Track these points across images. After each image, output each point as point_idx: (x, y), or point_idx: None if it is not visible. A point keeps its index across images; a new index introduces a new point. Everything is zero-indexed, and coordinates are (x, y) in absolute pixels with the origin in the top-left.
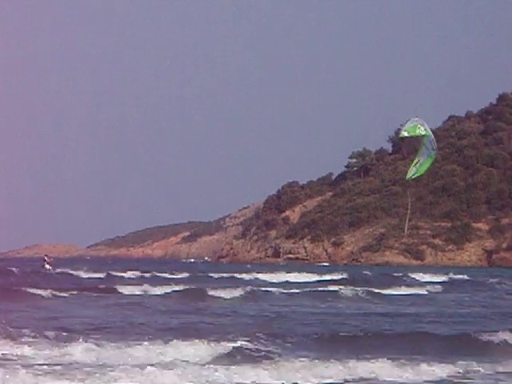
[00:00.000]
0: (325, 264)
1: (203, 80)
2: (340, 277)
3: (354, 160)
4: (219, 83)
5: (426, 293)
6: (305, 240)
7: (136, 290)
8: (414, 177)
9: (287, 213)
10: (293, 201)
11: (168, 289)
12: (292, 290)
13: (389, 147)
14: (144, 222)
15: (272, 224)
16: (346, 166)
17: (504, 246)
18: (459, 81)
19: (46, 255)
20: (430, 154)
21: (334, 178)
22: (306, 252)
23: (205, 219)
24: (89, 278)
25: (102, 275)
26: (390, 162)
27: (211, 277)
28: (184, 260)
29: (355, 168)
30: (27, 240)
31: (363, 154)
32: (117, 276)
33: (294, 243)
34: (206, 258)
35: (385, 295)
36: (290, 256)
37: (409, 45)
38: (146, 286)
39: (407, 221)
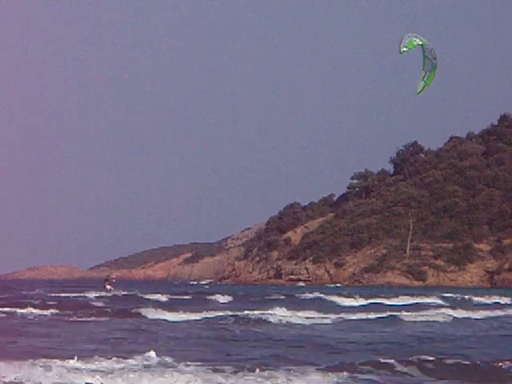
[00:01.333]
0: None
1: (205, 97)
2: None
3: (356, 181)
4: (222, 100)
5: None
6: (307, 261)
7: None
8: (423, 90)
9: (289, 234)
10: (294, 222)
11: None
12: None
13: (390, 168)
14: (146, 244)
15: (274, 245)
16: (347, 187)
17: (506, 266)
18: (460, 101)
19: (107, 276)
20: (433, 64)
21: (335, 198)
22: (307, 273)
23: (207, 240)
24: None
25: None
26: (392, 183)
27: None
28: (193, 282)
29: (357, 189)
30: (27, 262)
31: (365, 175)
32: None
33: (295, 264)
34: (207, 281)
35: None
36: (292, 277)
37: (409, 65)
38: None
39: (409, 241)
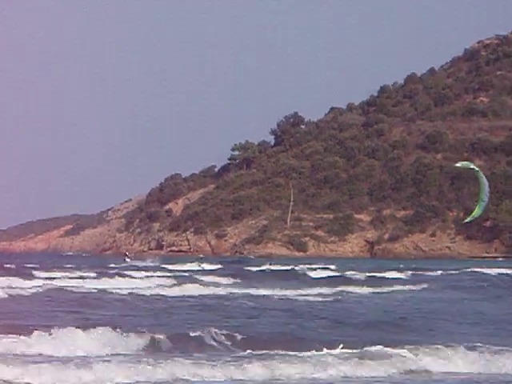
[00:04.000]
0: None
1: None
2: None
3: (237, 152)
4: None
5: None
6: (188, 232)
7: None
8: (469, 220)
9: (170, 205)
10: (175, 193)
11: None
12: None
13: (271, 139)
14: (26, 215)
15: (155, 217)
16: (228, 159)
17: (386, 237)
18: (341, 73)
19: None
20: (485, 204)
21: (216, 170)
22: (189, 244)
23: (88, 212)
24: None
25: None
26: (273, 154)
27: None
28: (71, 253)
29: (238, 160)
30: None
31: (246, 147)
32: None
33: (176, 236)
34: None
35: None
36: (173, 248)
37: (291, 36)
38: None
39: (290, 213)
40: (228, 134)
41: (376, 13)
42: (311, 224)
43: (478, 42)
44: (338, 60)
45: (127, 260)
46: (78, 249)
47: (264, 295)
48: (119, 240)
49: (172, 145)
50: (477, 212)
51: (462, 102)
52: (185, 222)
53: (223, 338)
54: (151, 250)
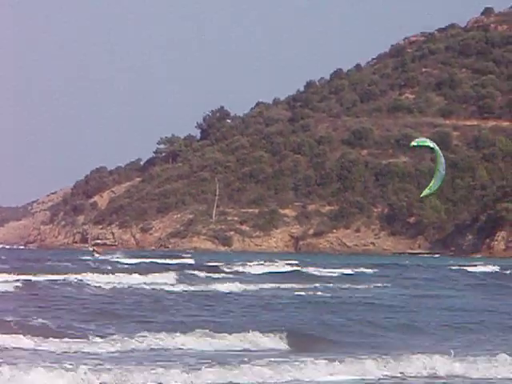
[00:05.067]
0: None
1: None
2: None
3: (163, 146)
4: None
5: None
6: (113, 226)
7: None
8: (426, 195)
9: (95, 198)
10: (101, 186)
11: None
12: None
13: (197, 133)
14: None
15: (80, 209)
16: (154, 152)
17: (310, 232)
18: (267, 68)
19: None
20: (442, 176)
21: (142, 163)
22: (113, 238)
23: (12, 204)
24: None
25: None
26: (198, 148)
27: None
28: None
29: (164, 154)
30: None
31: (171, 140)
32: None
33: (101, 229)
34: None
35: None
36: (98, 242)
37: (217, 30)
38: None
39: (215, 207)
40: (154, 127)
41: (303, 8)
42: (236, 218)
43: (404, 39)
44: (264, 55)
45: (96, 255)
46: (2, 241)
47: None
48: (44, 233)
49: (98, 137)
50: (434, 184)
51: (388, 98)
52: (110, 216)
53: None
54: (76, 242)
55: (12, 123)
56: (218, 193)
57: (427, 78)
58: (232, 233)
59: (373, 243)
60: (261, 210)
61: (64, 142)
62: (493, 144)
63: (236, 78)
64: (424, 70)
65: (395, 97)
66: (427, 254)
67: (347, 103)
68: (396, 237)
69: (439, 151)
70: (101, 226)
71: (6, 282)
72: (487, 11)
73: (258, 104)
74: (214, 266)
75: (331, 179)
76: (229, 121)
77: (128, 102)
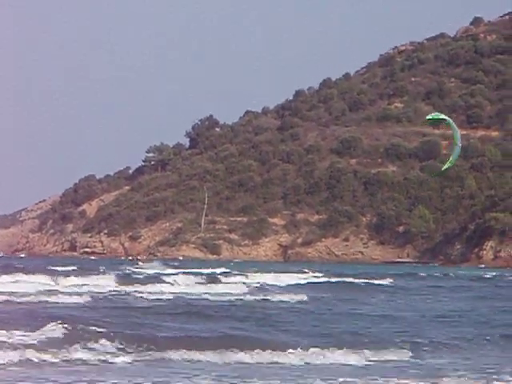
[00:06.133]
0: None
1: None
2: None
3: (152, 154)
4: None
5: None
6: (101, 234)
7: None
8: (447, 169)
9: (84, 206)
10: (90, 194)
11: None
12: None
13: (186, 142)
14: None
15: (69, 218)
16: (143, 160)
17: (299, 241)
18: (256, 77)
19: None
20: (459, 150)
21: (131, 171)
22: (102, 246)
23: (0, 212)
24: None
25: None
26: (187, 157)
27: None
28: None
29: (152, 162)
30: None
31: (161, 149)
32: None
33: (90, 237)
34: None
35: None
36: (87, 250)
37: (206, 38)
38: None
39: (204, 215)
40: (143, 135)
41: (291, 17)
42: (225, 227)
43: (393, 48)
44: (253, 63)
45: (140, 263)
46: None
47: None
48: (32, 241)
49: (87, 146)
50: (453, 157)
51: (377, 107)
52: (98, 224)
53: None
54: (64, 250)
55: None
56: (206, 201)
57: (416, 88)
58: (221, 241)
59: (361, 252)
60: (249, 218)
61: (53, 150)
62: (482, 154)
63: (225, 87)
64: (413, 79)
65: (384, 106)
66: (416, 263)
67: (336, 112)
68: (384, 246)
69: (454, 125)
70: (89, 235)
71: None
72: (476, 20)
73: (246, 113)
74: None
75: (320, 188)
76: (218, 129)
77: (117, 111)
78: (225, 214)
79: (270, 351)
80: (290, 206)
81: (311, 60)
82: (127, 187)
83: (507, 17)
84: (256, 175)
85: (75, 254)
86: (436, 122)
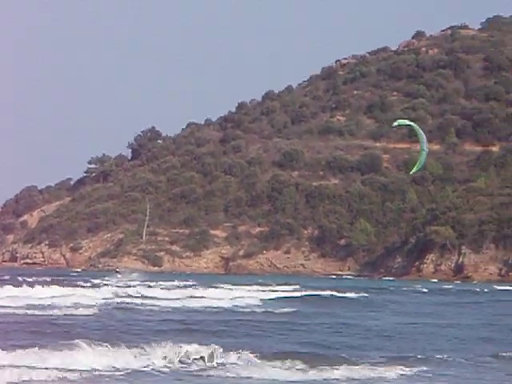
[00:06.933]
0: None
1: None
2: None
3: (93, 165)
4: None
5: None
6: (42, 245)
7: None
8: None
9: (25, 217)
10: (31, 205)
11: None
12: None
13: (128, 153)
14: None
15: (9, 228)
16: (85, 171)
17: (241, 253)
18: (199, 88)
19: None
20: (426, 154)
21: (72, 182)
22: (43, 257)
23: None
24: None
25: None
26: (129, 168)
27: None
28: None
29: (94, 173)
30: None
31: (102, 160)
32: None
33: (31, 248)
34: None
35: None
36: (28, 261)
37: (149, 48)
38: None
39: (145, 227)
40: (85, 146)
41: (236, 28)
42: (167, 239)
43: (336, 62)
44: (196, 75)
45: (118, 276)
46: None
47: None
48: None
49: (28, 156)
50: (420, 161)
51: (319, 120)
52: (39, 235)
53: None
54: (5, 261)
55: None
56: (148, 213)
57: (358, 101)
58: (162, 253)
59: (303, 265)
60: (191, 230)
61: None
62: (423, 167)
63: (167, 98)
64: (355, 92)
65: (326, 119)
66: (357, 276)
67: (278, 125)
68: (326, 259)
69: (420, 130)
70: (30, 245)
71: None
72: (418, 35)
73: (189, 124)
74: None
75: (262, 200)
76: (160, 141)
77: (58, 121)
78: (167, 225)
79: None
80: (232, 218)
81: (254, 72)
82: (69, 198)
83: (449, 31)
84: (198, 187)
85: (16, 264)
86: (402, 126)
